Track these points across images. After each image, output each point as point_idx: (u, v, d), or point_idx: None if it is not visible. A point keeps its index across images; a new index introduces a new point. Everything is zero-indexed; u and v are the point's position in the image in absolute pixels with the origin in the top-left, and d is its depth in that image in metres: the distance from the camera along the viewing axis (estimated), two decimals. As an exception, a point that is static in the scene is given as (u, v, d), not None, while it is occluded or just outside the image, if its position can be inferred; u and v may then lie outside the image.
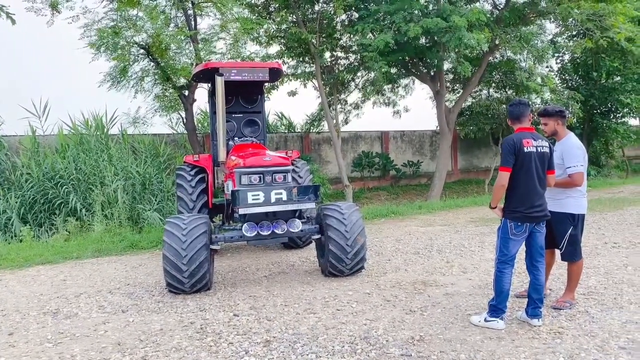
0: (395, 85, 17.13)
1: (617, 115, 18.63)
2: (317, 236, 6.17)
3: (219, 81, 6.08)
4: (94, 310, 5.18)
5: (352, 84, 16.53)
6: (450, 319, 4.49)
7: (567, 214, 4.56)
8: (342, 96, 16.72)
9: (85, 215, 10.46)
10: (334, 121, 14.58)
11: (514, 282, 5.21)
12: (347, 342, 4.05)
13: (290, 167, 6.14)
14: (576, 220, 4.57)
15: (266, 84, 9.24)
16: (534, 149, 4.13)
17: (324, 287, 5.71)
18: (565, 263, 4.80)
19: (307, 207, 5.80)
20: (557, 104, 13.06)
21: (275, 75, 7.36)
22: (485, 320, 4.25)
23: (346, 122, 17.36)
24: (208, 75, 7.20)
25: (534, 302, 4.25)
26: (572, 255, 4.62)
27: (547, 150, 4.21)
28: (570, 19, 13.60)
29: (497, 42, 13.69)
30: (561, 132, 4.72)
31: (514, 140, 4.13)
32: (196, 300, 5.33)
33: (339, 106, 16.19)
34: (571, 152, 4.55)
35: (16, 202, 10.47)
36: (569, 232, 4.55)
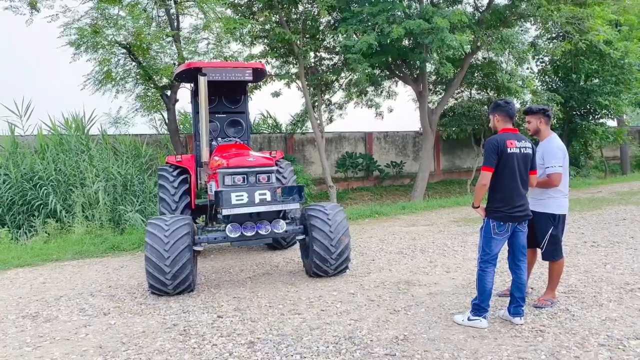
0: (379, 87, 17.19)
1: (596, 116, 18.95)
2: (301, 237, 6.15)
3: (202, 81, 6.04)
4: (74, 313, 5.10)
5: (336, 84, 16.56)
6: (434, 318, 4.52)
7: (548, 214, 4.62)
8: (326, 96, 16.74)
9: (65, 216, 10.29)
10: (318, 122, 14.59)
11: (496, 281, 5.26)
12: (332, 342, 4.05)
13: (275, 168, 6.11)
14: (557, 221, 4.63)
15: (249, 84, 9.20)
16: (518, 150, 4.18)
17: (308, 287, 5.70)
18: (547, 262, 4.86)
19: (291, 207, 5.78)
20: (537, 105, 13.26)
21: (259, 75, 7.32)
22: (469, 319, 4.29)
23: (330, 120, 17.38)
24: (191, 75, 7.13)
25: (516, 300, 4.30)
26: (553, 254, 4.68)
27: (530, 151, 4.27)
28: (550, 22, 13.82)
29: (478, 43, 13.85)
30: (544, 132, 4.77)
31: (498, 140, 4.17)
32: (179, 302, 5.28)
33: (322, 106, 16.21)
34: (551, 153, 4.60)
35: (-7, 204, 10.27)
36: (550, 232, 4.61)
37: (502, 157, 4.13)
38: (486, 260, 4.27)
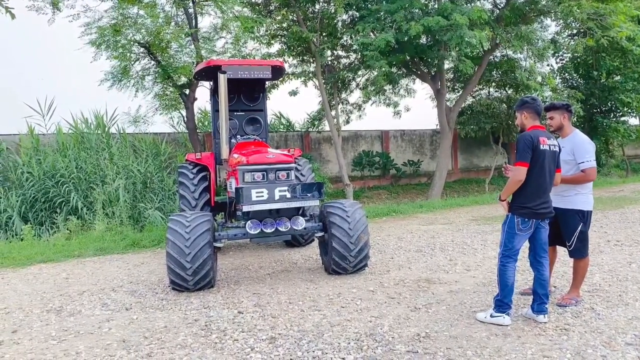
0: (396, 86, 17.10)
1: (617, 114, 18.65)
2: (320, 234, 6.15)
3: (222, 79, 6.07)
4: (97, 307, 5.16)
5: (353, 83, 16.51)
6: (456, 316, 4.48)
7: (576, 211, 4.55)
8: (343, 95, 16.71)
9: (86, 213, 10.44)
10: (335, 120, 14.57)
11: (518, 280, 5.21)
12: (353, 338, 4.04)
13: (294, 165, 6.12)
14: (585, 217, 4.57)
15: (267, 82, 9.23)
16: (548, 147, 4.15)
17: (327, 284, 5.70)
18: (570, 260, 4.79)
19: (311, 204, 5.78)
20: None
21: (278, 73, 7.35)
22: (492, 316, 4.24)
23: (347, 121, 17.36)
24: (210, 73, 7.18)
25: (540, 297, 4.24)
26: (581, 251, 4.61)
27: (557, 149, 4.26)
28: (571, 18, 13.60)
29: (497, 41, 13.70)
30: (567, 128, 4.71)
31: (532, 136, 4.12)
32: (200, 298, 5.31)
33: (339, 105, 16.18)
34: (583, 147, 4.55)
35: (17, 201, 10.45)
36: (579, 228, 4.54)
37: (535, 153, 4.09)
38: (507, 255, 4.22)
